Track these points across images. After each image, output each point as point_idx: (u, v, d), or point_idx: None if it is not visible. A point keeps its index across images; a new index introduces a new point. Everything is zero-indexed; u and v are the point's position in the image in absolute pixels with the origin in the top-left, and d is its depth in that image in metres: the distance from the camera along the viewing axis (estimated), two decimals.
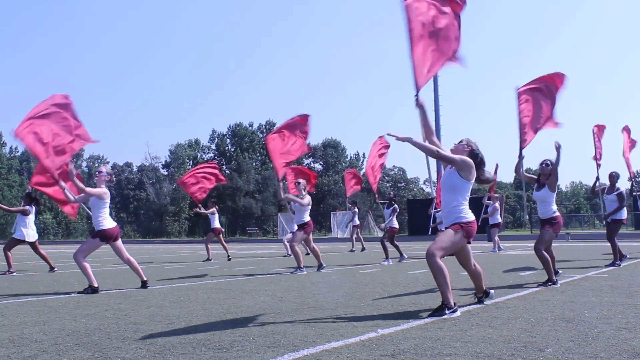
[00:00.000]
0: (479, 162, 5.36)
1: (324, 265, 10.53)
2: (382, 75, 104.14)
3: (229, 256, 14.88)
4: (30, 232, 11.47)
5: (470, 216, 5.22)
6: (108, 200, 7.64)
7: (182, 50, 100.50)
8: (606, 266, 9.74)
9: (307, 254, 15.17)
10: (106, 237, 7.53)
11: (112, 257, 17.97)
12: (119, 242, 7.69)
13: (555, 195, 7.57)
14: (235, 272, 10.44)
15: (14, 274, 10.99)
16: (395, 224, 13.15)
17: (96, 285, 7.46)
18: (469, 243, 5.31)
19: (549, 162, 7.54)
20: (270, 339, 4.05)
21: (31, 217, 11.53)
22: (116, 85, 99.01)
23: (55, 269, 11.36)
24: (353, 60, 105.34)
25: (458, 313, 4.94)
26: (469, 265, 5.41)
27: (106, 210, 7.63)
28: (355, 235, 19.89)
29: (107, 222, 7.55)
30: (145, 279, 7.81)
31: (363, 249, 19.26)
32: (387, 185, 72.74)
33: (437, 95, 36.68)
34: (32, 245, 11.58)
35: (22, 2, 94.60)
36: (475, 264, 5.45)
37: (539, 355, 3.46)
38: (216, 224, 15.17)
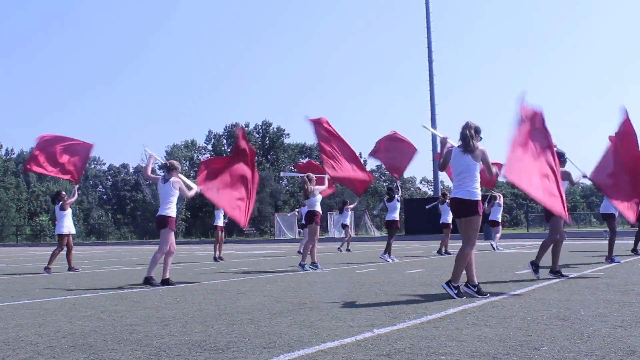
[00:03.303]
0: None
1: (305, 267, 10.49)
2: (378, 76, 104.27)
3: (218, 257, 14.68)
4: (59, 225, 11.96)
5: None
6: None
7: (178, 51, 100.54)
8: None
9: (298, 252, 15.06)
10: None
11: (108, 259, 17.95)
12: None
13: None
14: (232, 272, 10.43)
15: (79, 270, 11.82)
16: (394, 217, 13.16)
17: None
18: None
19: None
20: (266, 340, 4.05)
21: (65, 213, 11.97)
22: (112, 86, 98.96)
23: (47, 272, 11.30)
24: (349, 60, 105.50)
25: None
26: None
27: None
28: (344, 235, 19.23)
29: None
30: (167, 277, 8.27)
31: (342, 249, 18.14)
32: (384, 185, 72.82)
33: (432, 90, 36.69)
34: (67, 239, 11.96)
35: (18, 1, 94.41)
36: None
37: (534, 353, 3.47)
38: (220, 221, 15.10)
